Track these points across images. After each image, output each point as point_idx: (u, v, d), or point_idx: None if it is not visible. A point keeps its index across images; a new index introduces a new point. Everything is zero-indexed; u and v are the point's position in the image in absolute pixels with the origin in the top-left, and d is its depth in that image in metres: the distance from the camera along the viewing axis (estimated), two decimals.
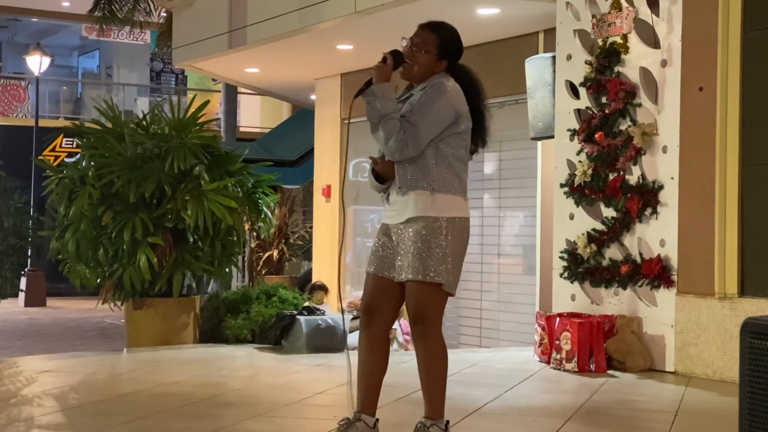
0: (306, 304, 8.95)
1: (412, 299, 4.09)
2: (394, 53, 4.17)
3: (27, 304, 18.53)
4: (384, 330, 4.25)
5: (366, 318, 4.23)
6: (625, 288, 7.09)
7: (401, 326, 9.21)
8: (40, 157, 16.71)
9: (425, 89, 4.14)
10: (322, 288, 10.03)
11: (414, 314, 4.10)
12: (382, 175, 4.22)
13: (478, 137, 4.26)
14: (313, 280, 13.21)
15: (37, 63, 20.48)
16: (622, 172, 7.13)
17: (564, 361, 6.79)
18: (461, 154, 4.16)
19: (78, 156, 9.36)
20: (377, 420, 4.22)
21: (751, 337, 3.27)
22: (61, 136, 19.72)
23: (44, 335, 14.03)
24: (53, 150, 20.50)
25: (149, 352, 7.91)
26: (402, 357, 7.20)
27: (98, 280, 8.91)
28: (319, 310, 8.48)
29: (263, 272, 15.60)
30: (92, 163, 8.89)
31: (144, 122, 9.20)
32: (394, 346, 8.87)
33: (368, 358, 4.22)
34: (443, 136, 4.10)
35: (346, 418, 4.20)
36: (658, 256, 6.87)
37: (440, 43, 4.20)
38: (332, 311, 8.92)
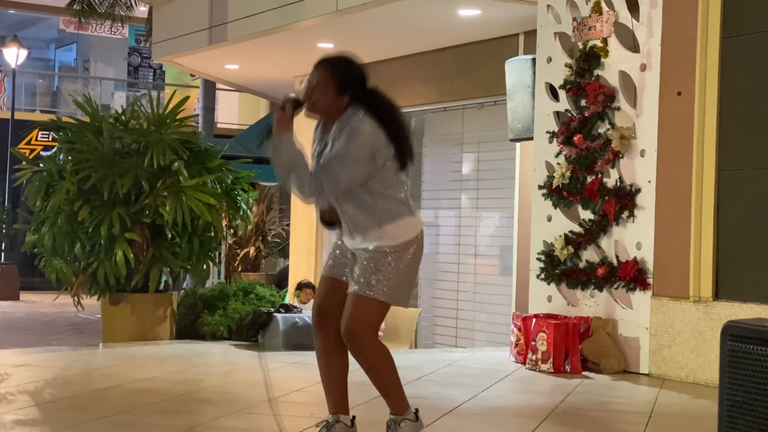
0: (295, 302, 8.96)
1: (348, 310, 4.08)
2: (293, 100, 4.10)
3: (0, 297, 18.41)
4: (337, 330, 4.20)
5: (318, 320, 4.22)
6: (601, 290, 7.13)
7: None
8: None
9: (341, 133, 4.07)
10: (309, 286, 10.01)
11: (346, 325, 4.06)
12: (331, 221, 4.21)
13: (404, 155, 4.14)
14: (290, 277, 13.22)
15: (13, 55, 20.33)
16: (600, 175, 7.18)
17: (539, 362, 6.83)
18: (392, 179, 4.10)
19: (54, 149, 9.31)
20: (353, 417, 4.24)
21: (732, 340, 3.31)
22: (37, 129, 19.59)
23: (17, 329, 13.94)
24: (29, 143, 20.36)
25: (125, 348, 7.88)
26: None
27: (73, 276, 8.87)
28: (296, 308, 8.48)
29: (240, 269, 15.58)
30: (69, 158, 8.85)
31: (122, 117, 9.17)
32: None
33: (328, 361, 4.22)
34: (368, 177, 4.04)
35: (324, 421, 4.21)
36: (634, 259, 6.92)
37: (337, 82, 4.08)
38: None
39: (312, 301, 9.59)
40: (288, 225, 14.30)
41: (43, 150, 19.25)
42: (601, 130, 7.17)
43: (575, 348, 6.84)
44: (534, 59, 7.86)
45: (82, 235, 8.61)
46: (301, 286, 10.05)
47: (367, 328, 4.10)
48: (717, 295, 6.54)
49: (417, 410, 4.19)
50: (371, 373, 4.12)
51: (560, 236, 7.37)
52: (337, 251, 4.26)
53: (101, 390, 5.78)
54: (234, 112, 23.32)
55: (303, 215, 13.14)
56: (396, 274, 4.07)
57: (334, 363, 4.21)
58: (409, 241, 4.11)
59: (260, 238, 16.14)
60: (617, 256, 7.06)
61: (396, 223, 4.09)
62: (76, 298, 8.90)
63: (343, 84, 4.08)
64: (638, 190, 6.96)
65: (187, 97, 9.76)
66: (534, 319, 7.04)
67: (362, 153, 4.01)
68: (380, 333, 9.20)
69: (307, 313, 8.37)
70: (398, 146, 4.11)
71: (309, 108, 4.14)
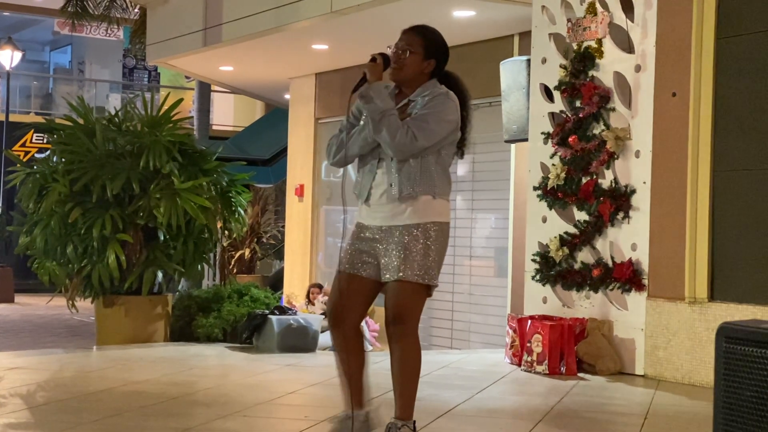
0: (306, 305, 8.97)
1: (394, 299, 4.08)
2: (383, 55, 4.19)
3: None
4: (355, 327, 4.26)
5: (334, 319, 4.22)
6: (596, 291, 7.13)
7: (368, 324, 9.19)
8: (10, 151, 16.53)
9: (429, 95, 4.16)
10: (315, 285, 10.00)
11: (395, 314, 4.08)
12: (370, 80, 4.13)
13: (462, 147, 4.32)
14: (285, 279, 13.21)
15: (8, 57, 20.29)
16: (595, 176, 7.17)
17: (535, 364, 6.81)
18: (450, 162, 4.27)
19: (48, 152, 9.29)
20: (368, 412, 4.23)
21: (727, 341, 3.29)
22: (32, 131, 19.55)
23: (12, 332, 13.89)
24: (23, 145, 20.32)
25: (119, 350, 7.86)
26: (375, 357, 7.17)
27: (66, 279, 8.84)
28: (291, 310, 8.46)
29: (234, 271, 15.55)
30: (62, 160, 8.82)
31: (116, 119, 9.14)
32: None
33: (347, 357, 4.22)
34: (445, 143, 4.15)
35: (344, 413, 4.20)
36: (630, 260, 6.92)
37: (425, 43, 4.23)
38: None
39: (318, 298, 9.63)
40: (283, 227, 14.28)
41: (37, 152, 19.21)
42: (596, 131, 7.16)
43: (570, 349, 6.83)
44: (529, 60, 7.86)
45: (74, 237, 8.58)
46: (312, 287, 10.05)
47: (414, 314, 4.12)
48: (712, 296, 6.53)
49: (415, 422, 4.20)
50: (403, 364, 4.11)
51: (555, 237, 7.36)
52: (357, 242, 4.22)
53: (95, 393, 5.76)
54: (229, 114, 23.31)
55: (298, 217, 13.14)
56: (437, 252, 4.10)
57: (352, 358, 4.21)
58: (445, 222, 4.18)
59: (255, 239, 16.12)
60: (612, 258, 7.05)
61: (444, 200, 4.20)
62: (70, 302, 8.87)
63: (430, 49, 4.22)
64: (633, 191, 6.95)
65: (181, 99, 9.73)
66: (529, 321, 7.03)
67: (452, 116, 4.15)
68: (375, 334, 9.23)
69: (301, 315, 8.34)
70: (462, 135, 4.26)
71: (396, 71, 4.20)
